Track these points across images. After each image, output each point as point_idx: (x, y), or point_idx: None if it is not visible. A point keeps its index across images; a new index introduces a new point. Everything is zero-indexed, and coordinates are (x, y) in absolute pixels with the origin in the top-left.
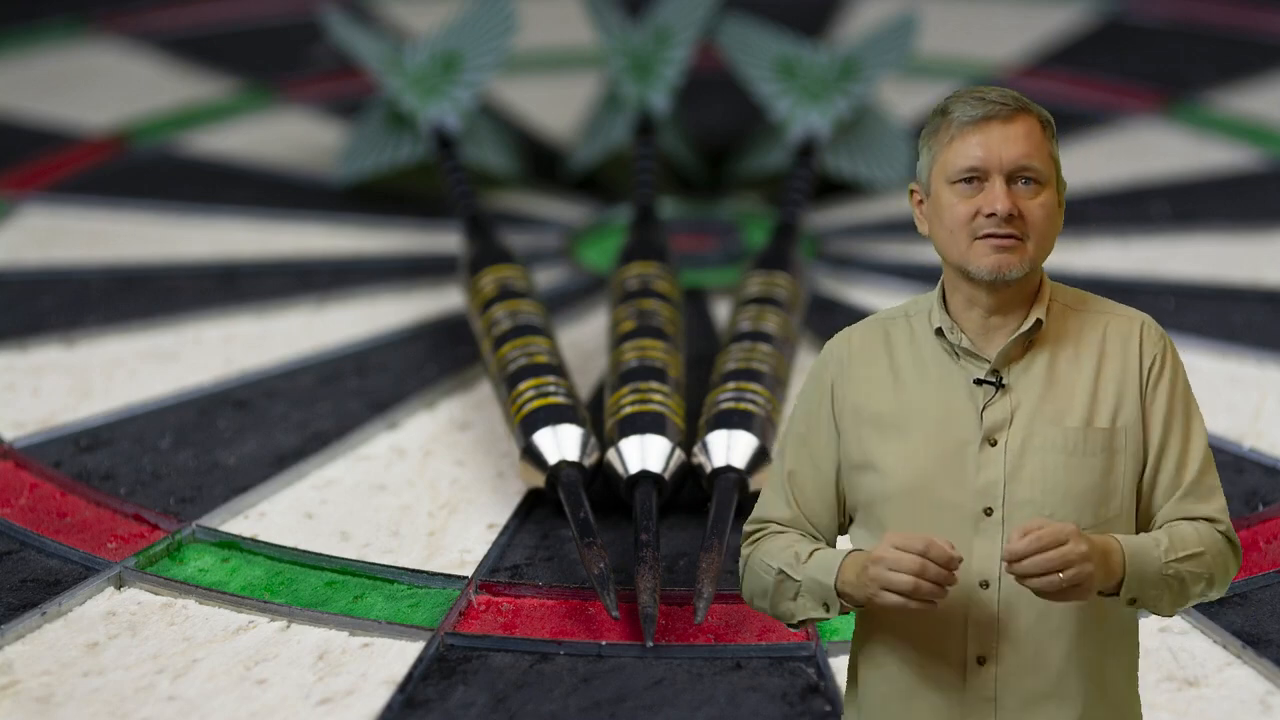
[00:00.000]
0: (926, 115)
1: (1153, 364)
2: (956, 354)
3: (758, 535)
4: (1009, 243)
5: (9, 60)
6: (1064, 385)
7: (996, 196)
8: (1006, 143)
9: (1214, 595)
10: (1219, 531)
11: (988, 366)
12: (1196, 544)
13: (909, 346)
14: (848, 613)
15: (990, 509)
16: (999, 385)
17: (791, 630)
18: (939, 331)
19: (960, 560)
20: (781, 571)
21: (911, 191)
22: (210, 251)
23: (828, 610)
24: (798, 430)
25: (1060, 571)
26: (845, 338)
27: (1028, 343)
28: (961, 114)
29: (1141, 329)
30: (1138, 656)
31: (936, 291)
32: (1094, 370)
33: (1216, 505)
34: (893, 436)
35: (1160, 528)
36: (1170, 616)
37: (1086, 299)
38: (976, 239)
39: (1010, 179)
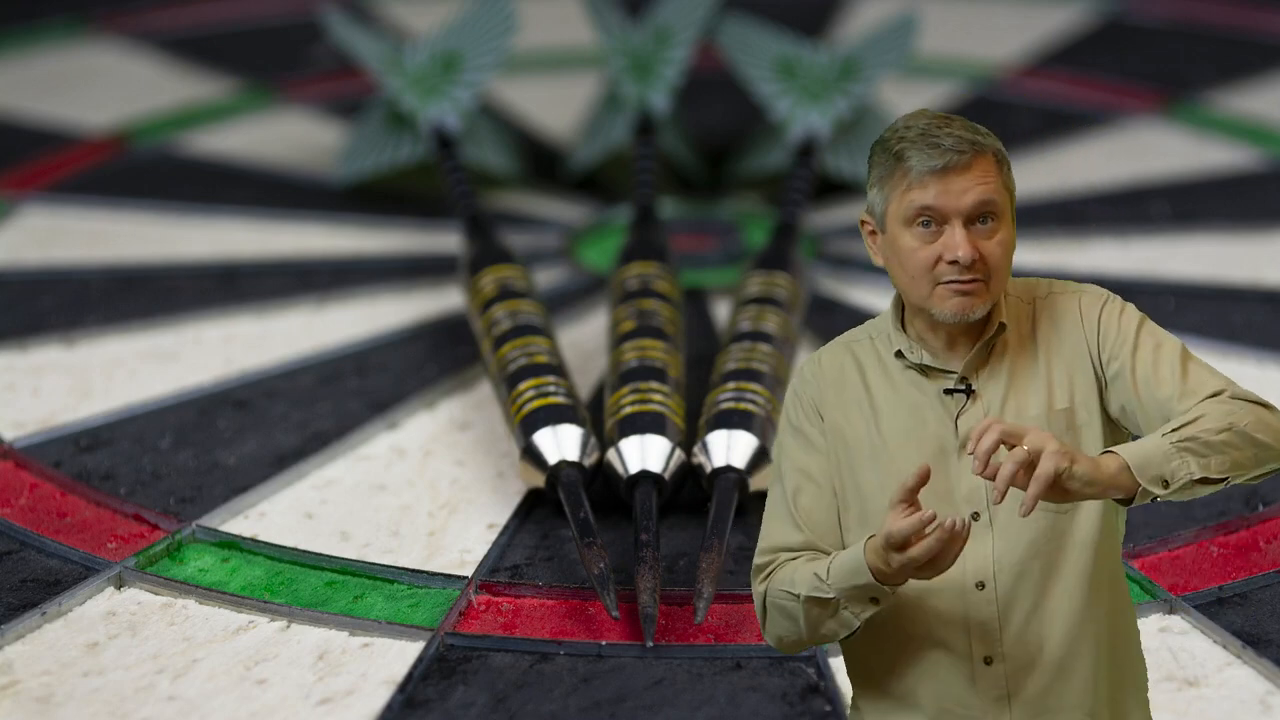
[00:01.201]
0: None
1: (1099, 324)
2: (923, 371)
3: (770, 568)
4: (972, 287)
5: (9, 60)
6: (1022, 378)
7: (958, 243)
8: (965, 191)
9: (1272, 455)
10: (1233, 391)
11: (955, 376)
12: (1196, 412)
13: (878, 368)
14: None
15: (977, 514)
16: (969, 393)
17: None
18: (899, 354)
19: (926, 477)
20: (810, 598)
21: (863, 222)
22: (210, 251)
23: (878, 603)
24: (790, 454)
25: (1026, 447)
26: (815, 360)
27: (989, 348)
28: (919, 163)
29: (1079, 301)
30: (1136, 622)
31: (892, 313)
32: (1045, 355)
33: (1214, 385)
34: (874, 459)
35: None
36: (1225, 479)
37: (1033, 287)
38: (939, 284)
39: (968, 220)
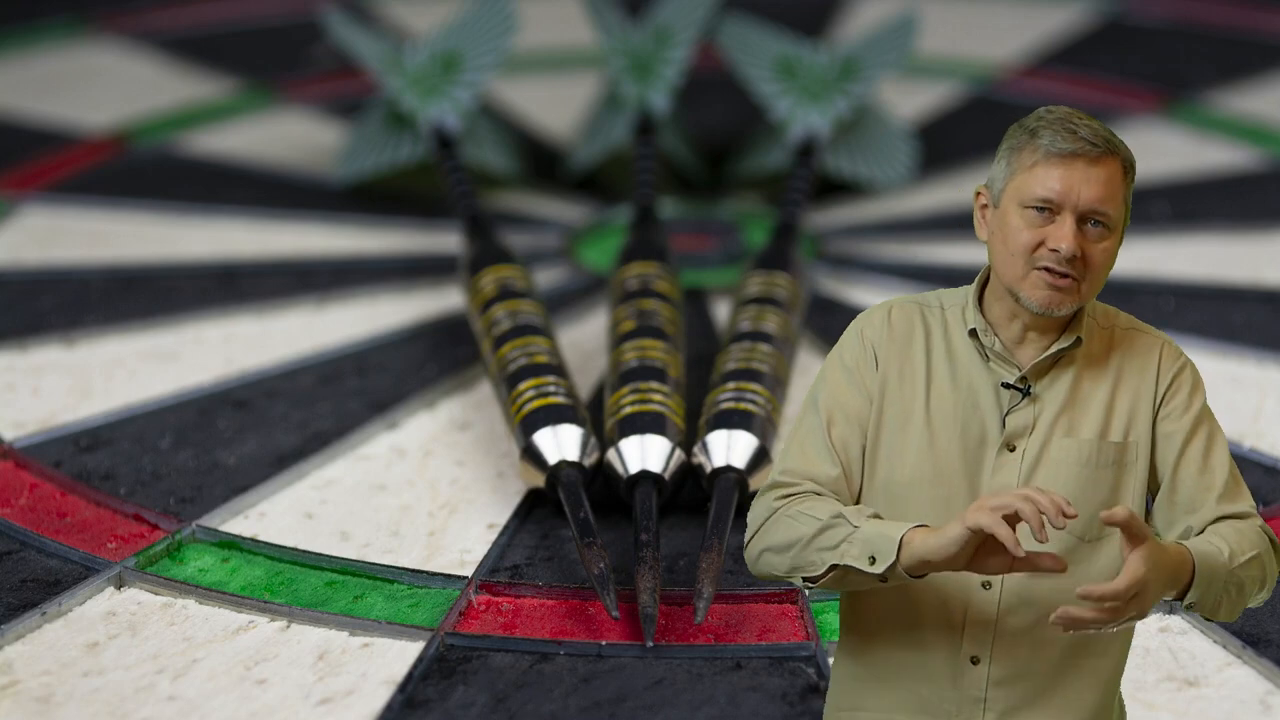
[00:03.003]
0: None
1: (1171, 382)
2: (987, 356)
3: (794, 490)
4: (1065, 283)
5: (9, 60)
6: (1084, 399)
7: (1065, 235)
8: (1088, 184)
9: (1262, 597)
10: (1262, 530)
11: (1018, 373)
12: (1252, 547)
13: (942, 337)
14: (884, 579)
15: None
16: (1026, 393)
17: (805, 585)
18: (973, 333)
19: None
20: (838, 516)
21: (978, 194)
22: (210, 251)
23: (872, 564)
24: (833, 388)
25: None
26: (885, 310)
27: (1059, 357)
28: (1050, 144)
29: (1161, 349)
30: (1124, 665)
31: (973, 290)
32: (1112, 385)
33: (1249, 502)
34: (915, 426)
35: (1205, 533)
36: (1228, 620)
37: (1114, 315)
38: (1035, 269)
39: (1082, 219)
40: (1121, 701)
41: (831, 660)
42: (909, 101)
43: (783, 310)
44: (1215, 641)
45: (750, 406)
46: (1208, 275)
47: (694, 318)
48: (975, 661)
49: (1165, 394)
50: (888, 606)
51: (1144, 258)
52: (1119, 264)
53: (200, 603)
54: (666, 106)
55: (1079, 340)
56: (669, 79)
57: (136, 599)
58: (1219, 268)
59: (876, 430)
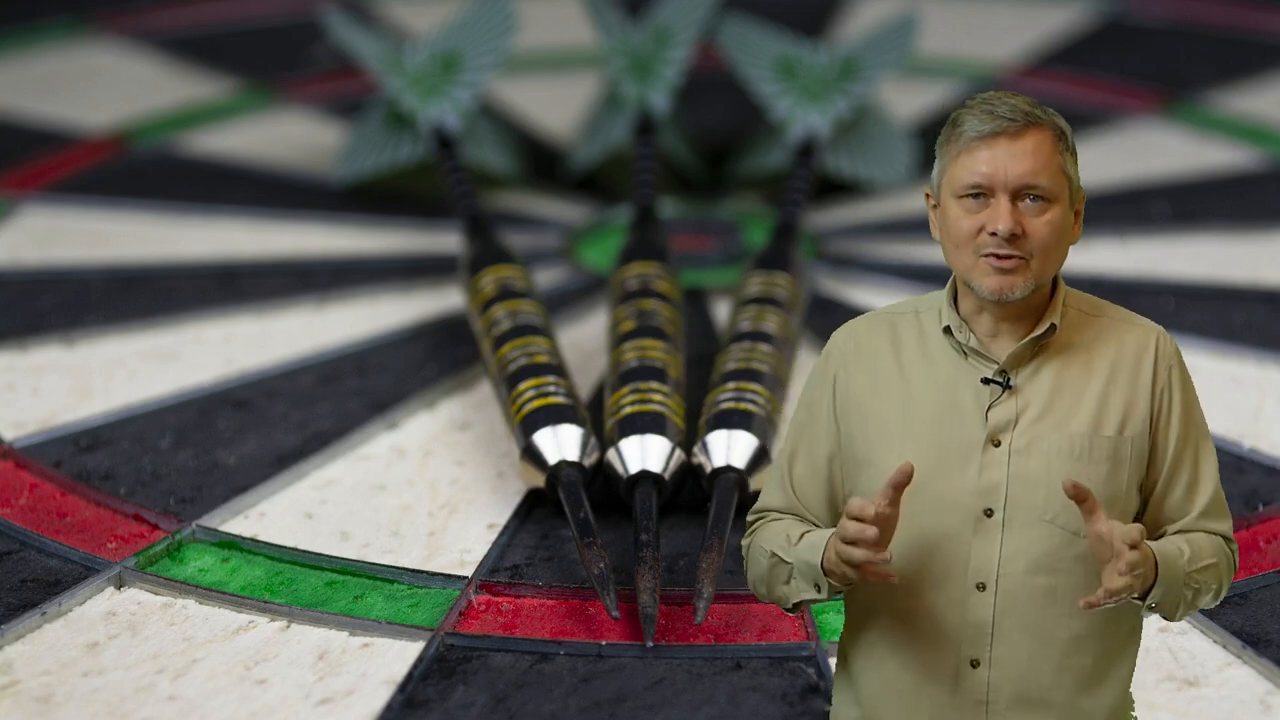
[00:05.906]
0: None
1: (1168, 380)
2: (964, 353)
3: (757, 524)
4: (1010, 264)
5: (9, 60)
6: (1073, 391)
7: (1000, 216)
8: (1013, 160)
9: (1213, 604)
10: (1224, 546)
11: (996, 367)
12: (1211, 555)
13: (916, 342)
14: (838, 594)
15: (991, 510)
16: (1007, 386)
17: (789, 614)
18: (947, 330)
19: (885, 515)
20: (774, 555)
21: (927, 195)
22: (210, 251)
23: (819, 591)
24: (799, 418)
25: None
26: (850, 331)
27: (1038, 347)
28: (970, 128)
29: (1157, 342)
30: (1134, 666)
31: (947, 289)
32: (1105, 378)
33: (1228, 525)
34: (895, 433)
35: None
36: (1174, 622)
37: (1102, 306)
38: (980, 257)
39: (1016, 196)
40: (1133, 703)
41: (833, 671)
42: (909, 101)
43: (783, 310)
44: (1215, 641)
45: (750, 406)
46: (1208, 275)
47: (694, 318)
48: (975, 665)
49: (1162, 392)
50: (885, 625)
51: (1144, 258)
52: (1119, 264)
53: (200, 603)
54: (666, 106)
55: (1053, 327)
56: (669, 79)
57: (136, 599)
58: (1219, 268)
59: (854, 449)
